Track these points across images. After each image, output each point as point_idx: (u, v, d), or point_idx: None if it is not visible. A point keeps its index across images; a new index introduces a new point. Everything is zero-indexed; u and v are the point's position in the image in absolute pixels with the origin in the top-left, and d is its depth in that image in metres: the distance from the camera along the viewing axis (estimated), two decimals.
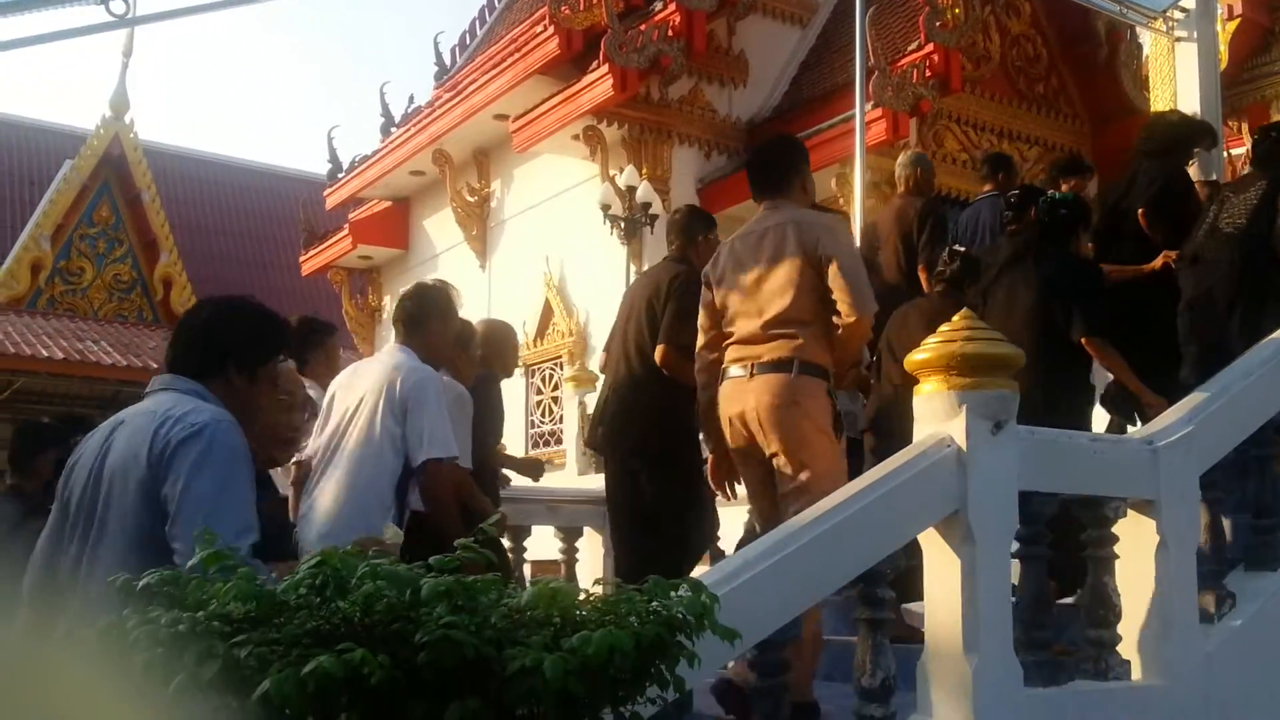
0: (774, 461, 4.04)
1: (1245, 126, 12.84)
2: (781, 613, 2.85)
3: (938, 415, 3.27)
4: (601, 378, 5.63)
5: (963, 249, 5.40)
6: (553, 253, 13.66)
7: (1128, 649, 3.57)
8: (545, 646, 1.54)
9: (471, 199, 15.20)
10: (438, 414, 4.03)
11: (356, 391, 4.17)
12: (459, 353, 4.95)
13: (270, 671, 1.51)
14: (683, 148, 13.18)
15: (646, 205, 11.64)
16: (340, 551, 1.63)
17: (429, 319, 4.44)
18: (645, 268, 12.19)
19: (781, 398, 3.97)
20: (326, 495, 4.02)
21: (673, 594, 1.76)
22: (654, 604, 1.78)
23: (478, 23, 17.90)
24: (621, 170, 12.30)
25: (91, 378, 17.44)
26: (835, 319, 4.02)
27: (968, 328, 3.32)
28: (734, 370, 4.15)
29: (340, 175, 17.24)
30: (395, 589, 1.55)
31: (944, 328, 3.39)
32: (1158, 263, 5.55)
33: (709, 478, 4.54)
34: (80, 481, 2.67)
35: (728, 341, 4.22)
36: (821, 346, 4.06)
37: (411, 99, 17.31)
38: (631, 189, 11.81)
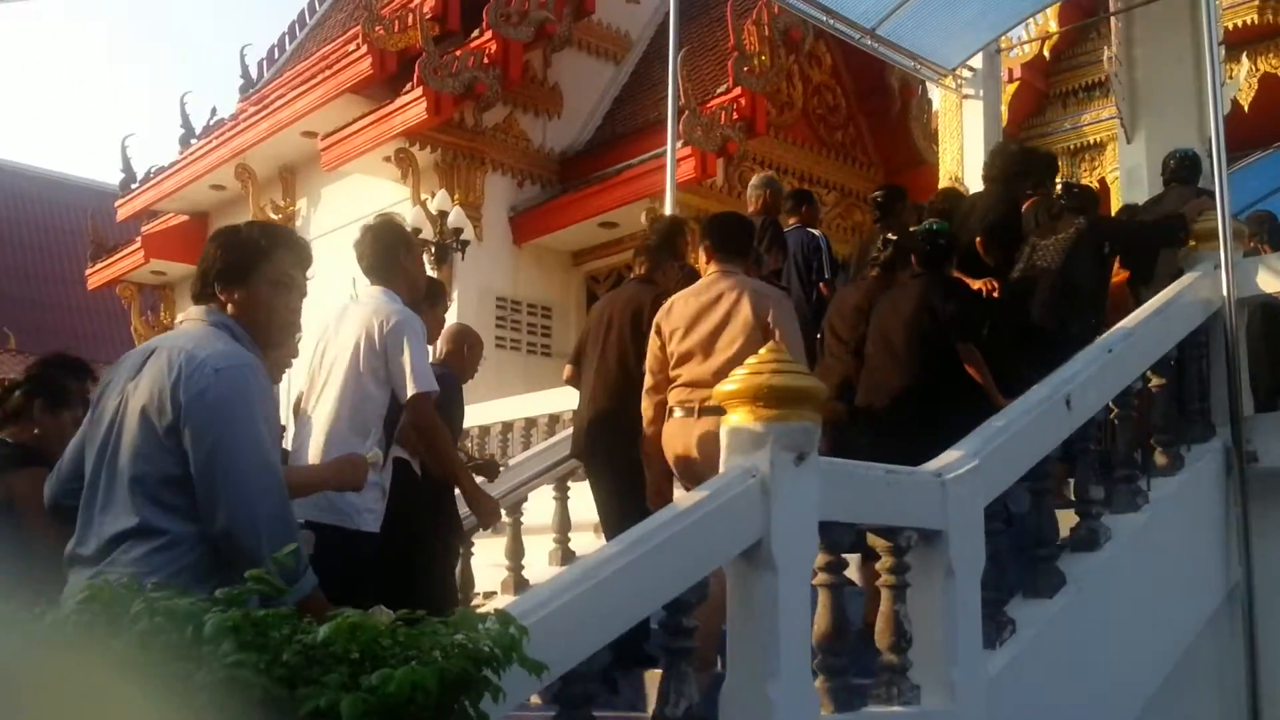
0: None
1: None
2: (587, 644, 2.83)
3: (744, 446, 3.33)
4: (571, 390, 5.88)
5: (895, 237, 5.78)
6: (361, 275, 13.34)
7: (918, 674, 3.69)
8: (343, 685, 1.48)
9: (276, 216, 14.73)
10: (420, 351, 4.06)
11: (341, 335, 4.14)
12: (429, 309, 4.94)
13: None
14: (496, 175, 13.15)
15: (458, 231, 11.53)
16: (113, 586, 1.53)
17: (397, 257, 4.35)
18: (455, 293, 12.07)
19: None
20: (317, 422, 4.02)
21: (480, 626, 1.72)
22: (459, 637, 1.73)
23: (287, 37, 17.44)
24: (433, 194, 12.15)
25: None
26: None
27: (775, 360, 3.39)
28: (679, 411, 4.57)
29: (134, 186, 16.48)
30: (175, 624, 1.46)
31: (751, 360, 3.46)
32: (979, 286, 5.73)
33: (649, 503, 4.65)
34: (110, 409, 2.66)
35: (674, 385, 4.61)
36: None
37: (214, 111, 16.72)
38: (443, 214, 11.68)
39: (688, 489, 4.30)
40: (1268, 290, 5.59)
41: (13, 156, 27.52)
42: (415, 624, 1.71)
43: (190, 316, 2.81)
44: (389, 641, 1.66)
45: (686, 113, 11.56)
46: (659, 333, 4.73)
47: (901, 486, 3.75)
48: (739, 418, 3.36)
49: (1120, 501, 4.93)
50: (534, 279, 13.42)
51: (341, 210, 13.98)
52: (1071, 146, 13.36)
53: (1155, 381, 5.30)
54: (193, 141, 15.98)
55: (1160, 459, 5.23)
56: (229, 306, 2.78)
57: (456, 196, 12.39)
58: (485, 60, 12.31)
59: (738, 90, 12.11)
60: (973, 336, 5.14)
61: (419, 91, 11.82)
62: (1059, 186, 6.59)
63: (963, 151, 10.04)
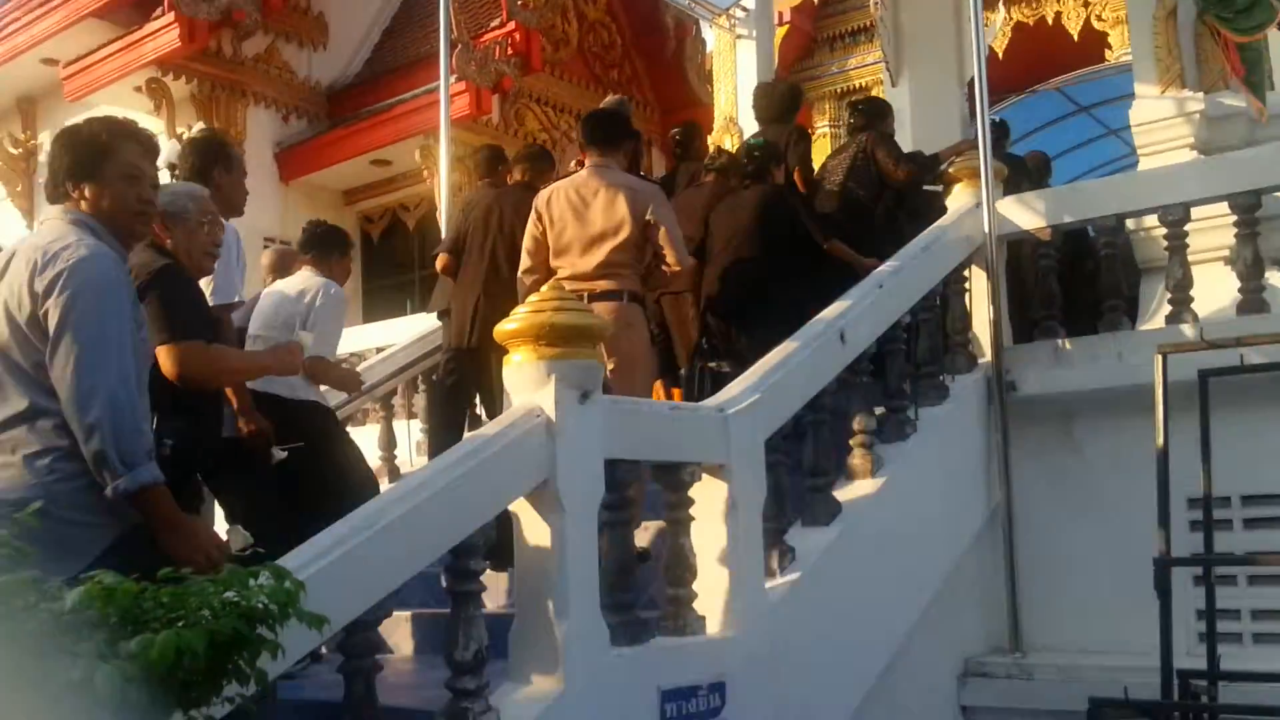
0: (609, 373, 4.50)
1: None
2: (372, 591, 2.74)
3: (528, 385, 3.27)
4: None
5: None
6: None
7: (703, 605, 3.75)
8: (100, 654, 1.35)
9: (15, 151, 13.64)
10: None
11: None
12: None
13: None
14: (258, 109, 12.52)
15: None
16: None
17: (210, 175, 4.34)
18: None
19: (616, 321, 4.72)
20: None
21: (252, 582, 1.61)
22: (230, 594, 1.62)
23: None
24: (190, 128, 11.46)
25: None
26: (664, 267, 5.07)
27: (557, 299, 3.33)
28: None
29: None
30: None
31: (533, 298, 3.39)
32: None
33: None
34: None
35: (557, 277, 4.83)
36: (638, 282, 5.07)
37: None
38: None
39: None
40: (1025, 227, 5.89)
41: None
42: (180, 582, 1.58)
43: (48, 217, 2.91)
44: (151, 604, 1.53)
45: (460, 46, 11.28)
46: (539, 219, 5.12)
47: (685, 422, 3.78)
48: (522, 356, 3.29)
49: (890, 431, 5.12)
50: (303, 218, 12.84)
51: None
52: (839, 90, 13.72)
53: (922, 315, 5.52)
54: None
55: (927, 390, 5.46)
56: (81, 204, 2.86)
57: (216, 130, 11.72)
58: None
59: (512, 24, 11.90)
60: (832, 233, 5.84)
61: (170, 17, 11.08)
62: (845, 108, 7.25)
63: (737, 92, 10.17)
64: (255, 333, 4.91)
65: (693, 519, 3.78)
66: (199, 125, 11.43)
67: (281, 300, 4.98)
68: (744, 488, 3.90)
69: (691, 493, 3.78)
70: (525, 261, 5.16)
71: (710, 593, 3.79)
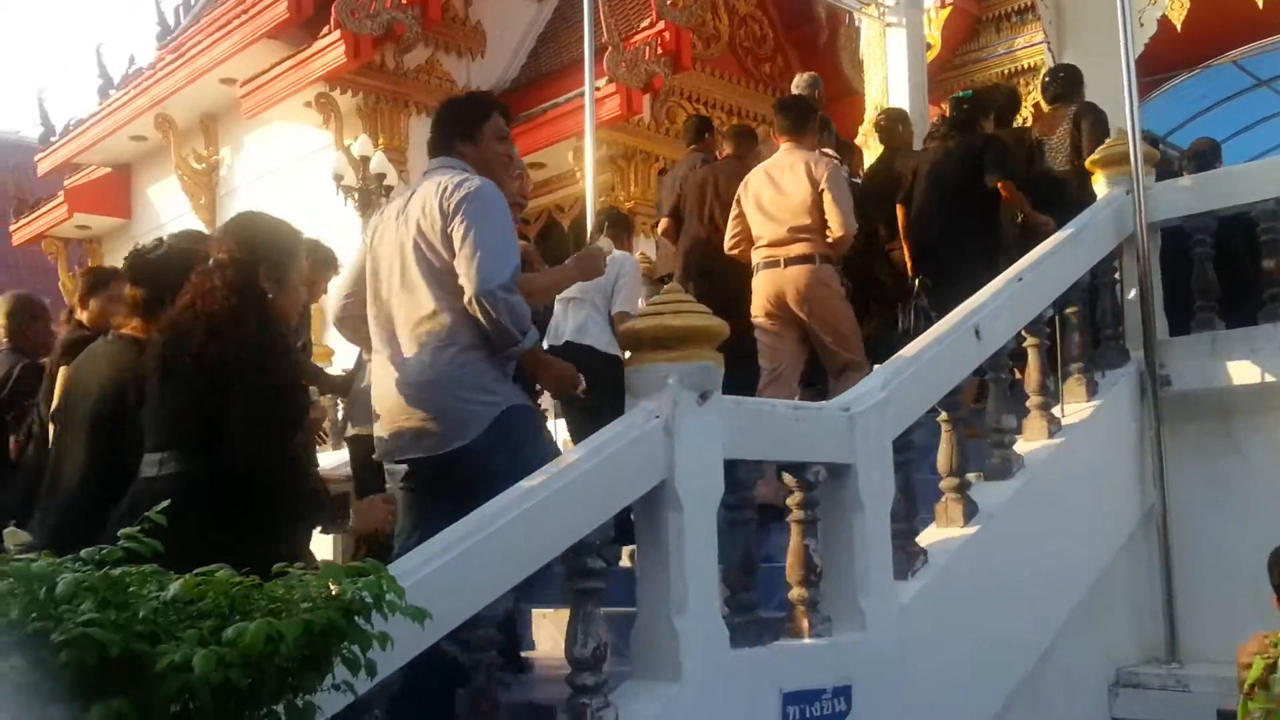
0: (811, 326, 5.77)
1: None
2: (491, 588, 2.85)
3: (647, 387, 3.35)
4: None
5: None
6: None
7: (829, 607, 3.76)
8: (202, 639, 1.48)
9: (199, 166, 14.46)
10: None
11: None
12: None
13: None
14: (420, 118, 12.95)
15: (381, 176, 11.38)
16: None
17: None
18: None
19: (812, 280, 5.71)
20: None
21: (347, 578, 1.73)
22: (331, 588, 1.74)
23: None
24: (356, 139, 11.97)
25: None
26: (827, 232, 5.74)
27: (675, 301, 3.40)
28: (764, 266, 5.87)
29: (54, 139, 16.05)
30: (22, 586, 1.45)
31: (654, 300, 3.47)
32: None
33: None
34: (390, 233, 3.75)
35: (756, 246, 5.90)
36: (826, 246, 5.77)
37: (132, 60, 16.27)
38: (366, 159, 11.52)
39: (779, 319, 5.82)
40: (1179, 213, 5.67)
41: None
42: (283, 576, 1.72)
43: (434, 166, 3.83)
44: (258, 595, 1.67)
45: (610, 49, 11.46)
46: (739, 201, 6.02)
47: (808, 422, 3.79)
48: (640, 359, 3.37)
49: (1032, 429, 5.02)
50: None
51: (265, 158, 13.76)
52: (1006, 71, 13.42)
53: (1069, 309, 5.38)
54: (111, 92, 15.56)
55: (1074, 386, 5.32)
56: (464, 156, 3.80)
57: (380, 141, 12.22)
58: (403, 0, 12.08)
59: (662, 24, 12.01)
60: (1009, 176, 6.27)
61: (336, 34, 11.59)
62: (1044, 75, 7.53)
63: (887, 81, 10.04)
64: (571, 295, 5.81)
65: (818, 519, 3.79)
66: (363, 137, 11.92)
67: None
68: (871, 488, 3.89)
69: (817, 493, 3.80)
70: (729, 235, 6.07)
71: (836, 594, 3.80)
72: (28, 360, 5.16)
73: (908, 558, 4.14)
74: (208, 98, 13.82)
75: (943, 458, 4.53)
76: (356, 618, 1.71)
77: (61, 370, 4.36)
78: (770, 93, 14.07)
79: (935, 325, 4.61)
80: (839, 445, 3.83)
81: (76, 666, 1.41)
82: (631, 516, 3.33)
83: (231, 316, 3.10)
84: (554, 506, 3.00)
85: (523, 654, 4.26)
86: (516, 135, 12.65)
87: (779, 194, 5.81)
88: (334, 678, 1.84)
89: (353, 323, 3.95)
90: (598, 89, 9.68)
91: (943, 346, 4.45)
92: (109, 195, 16.11)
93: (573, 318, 6.06)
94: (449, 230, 3.56)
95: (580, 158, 11.56)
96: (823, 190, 5.70)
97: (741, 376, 6.55)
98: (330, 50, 11.71)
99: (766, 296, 5.84)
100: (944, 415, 4.49)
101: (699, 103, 13.37)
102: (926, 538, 4.34)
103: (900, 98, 9.53)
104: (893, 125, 7.59)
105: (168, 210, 15.31)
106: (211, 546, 2.80)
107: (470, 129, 3.85)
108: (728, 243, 6.10)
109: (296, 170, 13.17)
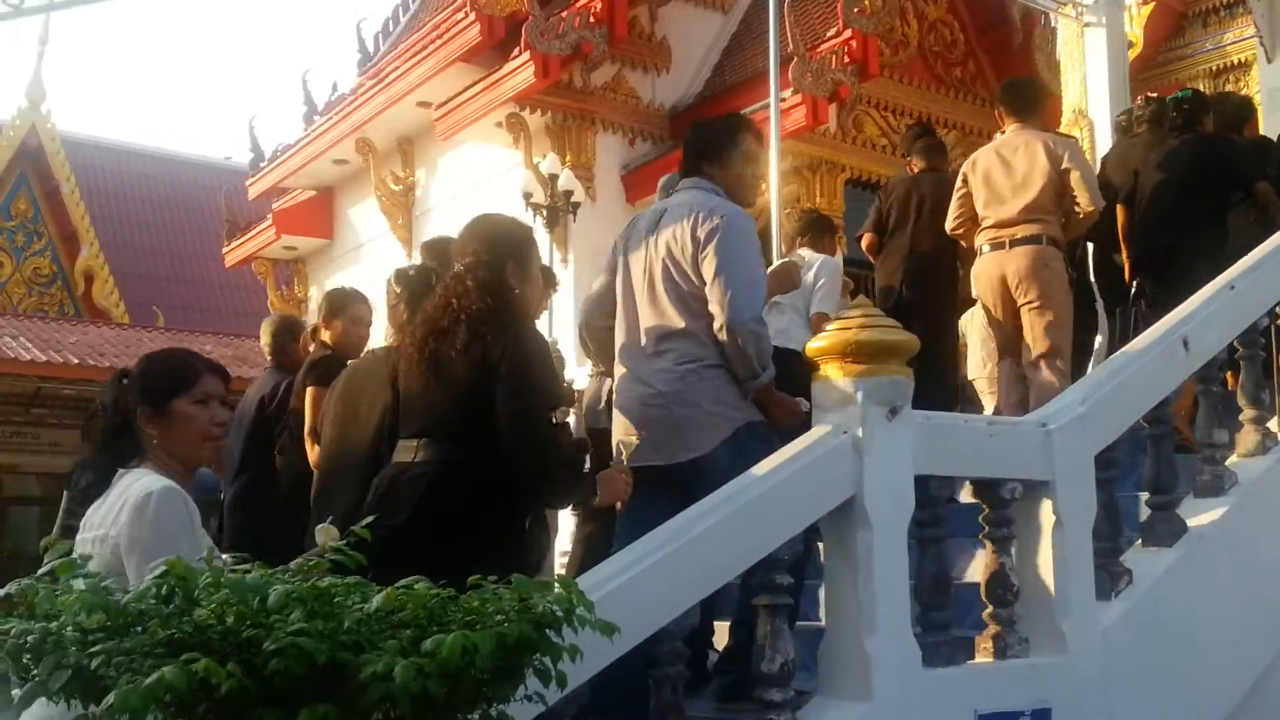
0: (1027, 307, 5.67)
1: None
2: (678, 603, 2.87)
3: (835, 402, 3.31)
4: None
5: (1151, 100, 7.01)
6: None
7: (1027, 627, 3.63)
8: (403, 650, 1.54)
9: (396, 187, 15.06)
10: None
11: None
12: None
13: (119, 683, 1.50)
14: (606, 134, 13.18)
15: (569, 193, 11.61)
16: (185, 562, 1.61)
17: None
18: (569, 256, 12.18)
19: (1035, 262, 5.63)
20: None
21: (538, 592, 1.76)
22: (524, 600, 1.78)
23: (400, 9, 17.71)
24: (544, 157, 12.25)
25: (11, 374, 17.03)
26: (1075, 208, 5.66)
27: (864, 315, 3.35)
28: (988, 248, 5.82)
29: (262, 165, 17.00)
30: (237, 597, 1.53)
31: (840, 314, 3.43)
32: None
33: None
34: (639, 256, 3.93)
35: (983, 228, 5.84)
36: (1057, 228, 5.72)
37: (335, 86, 17.10)
38: (554, 177, 11.77)
39: (1001, 301, 5.79)
40: None
41: (149, 142, 28.56)
42: (477, 589, 1.76)
43: (686, 186, 3.98)
44: (455, 608, 1.72)
45: (795, 59, 11.39)
46: (965, 181, 5.98)
47: (1003, 437, 3.68)
48: (829, 373, 3.33)
49: (1247, 445, 4.73)
50: None
51: (458, 178, 14.23)
52: (1214, 67, 12.78)
53: None
54: (315, 118, 16.38)
55: None
56: (711, 177, 3.91)
57: (568, 158, 12.46)
58: (591, 19, 12.32)
59: (848, 33, 11.87)
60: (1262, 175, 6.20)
61: (526, 56, 11.90)
62: None
63: (1086, 82, 9.67)
64: (772, 301, 5.76)
65: (1014, 538, 3.67)
66: (551, 155, 12.19)
67: None
68: (1070, 505, 3.74)
69: (1013, 510, 3.67)
70: (952, 217, 6.08)
71: (1034, 614, 3.66)
72: (290, 378, 5.48)
73: (1111, 578, 3.96)
74: (405, 121, 14.38)
75: (1149, 474, 4.32)
76: (548, 630, 1.74)
77: (310, 389, 4.68)
78: (961, 98, 13.75)
79: (1141, 335, 4.39)
80: (1035, 461, 3.70)
81: (285, 673, 1.48)
82: None
83: (489, 317, 3.34)
84: (740, 522, 2.99)
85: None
86: None
87: (1010, 173, 5.76)
88: (526, 688, 1.88)
89: (598, 333, 4.19)
90: (783, 99, 9.63)
91: (1148, 359, 4.24)
92: (313, 217, 16.94)
93: (774, 323, 6.06)
94: (700, 258, 3.72)
95: (766, 169, 11.58)
96: (1067, 169, 5.62)
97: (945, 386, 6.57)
98: (520, 71, 12.03)
99: (989, 280, 5.85)
100: (1149, 430, 4.28)
101: (887, 110, 13.17)
102: (1131, 558, 4.14)
103: (1100, 98, 9.17)
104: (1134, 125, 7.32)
105: (367, 230, 16.00)
106: (465, 530, 3.14)
107: (720, 152, 3.96)
108: (951, 223, 6.11)
109: (488, 189, 13.56)
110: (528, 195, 11.90)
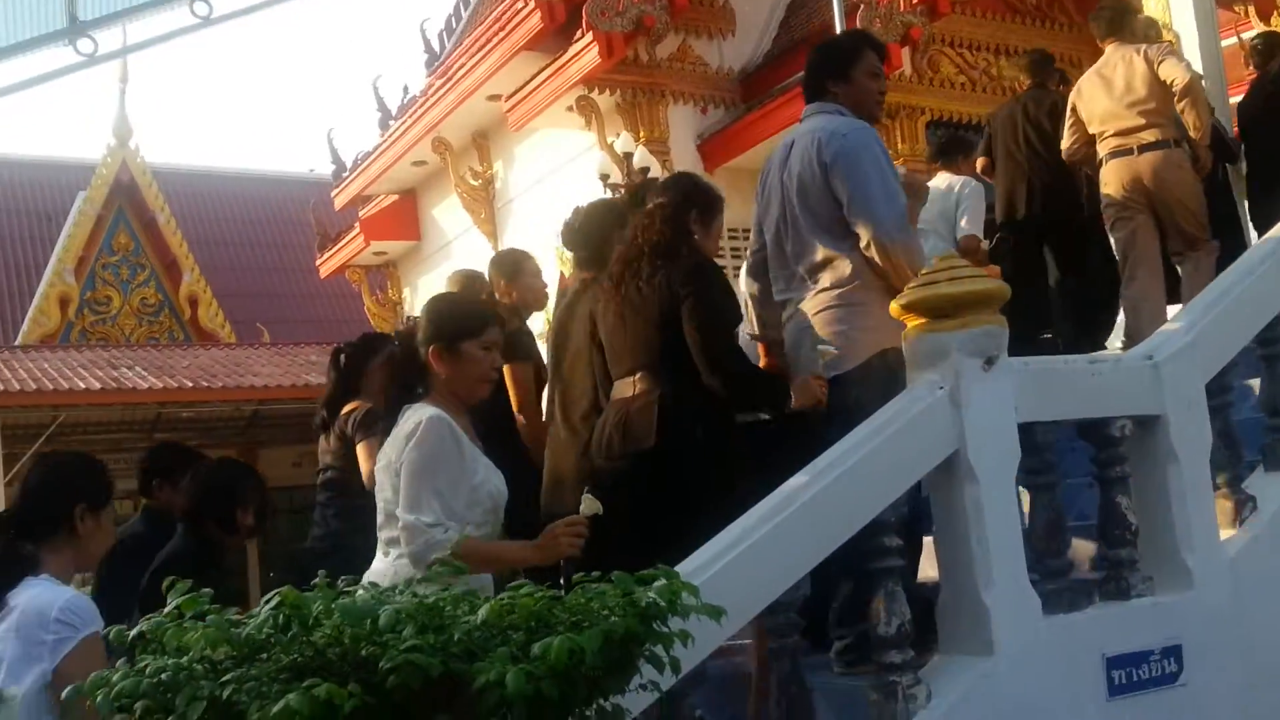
0: (1164, 209, 5.86)
1: (1252, 10, 12.54)
2: (787, 575, 2.87)
3: (928, 358, 3.27)
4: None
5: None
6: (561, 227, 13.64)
7: (1149, 565, 3.56)
8: (513, 656, 1.57)
9: (475, 183, 15.19)
10: None
11: None
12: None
13: (250, 709, 1.56)
14: (678, 106, 13.09)
15: (645, 170, 11.58)
16: (295, 591, 1.67)
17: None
18: None
19: (1163, 166, 5.81)
20: None
21: (642, 586, 1.79)
22: (627, 597, 1.81)
23: (461, 4, 17.82)
24: (618, 136, 12.24)
25: (130, 404, 17.64)
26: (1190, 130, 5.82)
27: (949, 268, 3.30)
28: (1114, 157, 5.94)
29: (345, 174, 17.28)
30: (350, 621, 1.58)
31: (925, 270, 3.38)
32: None
33: None
34: (775, 190, 4.03)
35: (1104, 138, 5.97)
36: (1178, 129, 5.85)
37: (405, 89, 17.26)
38: (629, 155, 11.76)
39: (1124, 215, 5.93)
40: None
41: (234, 163, 29.20)
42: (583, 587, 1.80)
43: (810, 112, 4.06)
44: (560, 609, 1.75)
45: (863, 6, 11.20)
46: (1074, 110, 6.15)
47: (1108, 375, 3.60)
48: (919, 330, 3.29)
49: None
50: (730, 202, 13.31)
51: (535, 166, 14.29)
52: None
53: None
54: (391, 123, 16.58)
55: None
56: (836, 96, 3.99)
57: (641, 134, 12.42)
58: None
59: None
60: None
61: (589, 37, 11.87)
62: None
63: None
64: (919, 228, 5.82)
65: (1128, 476, 3.59)
66: (624, 133, 12.18)
67: (935, 195, 6.10)
68: (1184, 437, 3.64)
69: (1125, 448, 3.60)
70: (1066, 143, 6.22)
71: (1156, 551, 3.59)
72: None
73: (1234, 507, 3.86)
74: (477, 116, 14.47)
75: (1266, 395, 4.18)
76: (654, 622, 1.77)
77: (505, 369, 4.76)
78: (1038, 25, 13.37)
79: (1245, 254, 4.25)
80: (1144, 396, 3.61)
81: (404, 688, 1.52)
82: None
83: (667, 245, 3.80)
84: (840, 490, 2.99)
85: None
86: (775, 109, 12.67)
87: (1112, 89, 5.91)
88: (641, 676, 1.91)
89: (758, 271, 4.30)
90: None
91: (1255, 278, 4.10)
92: (399, 221, 17.18)
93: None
94: (832, 182, 3.83)
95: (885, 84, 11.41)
96: (1155, 67, 5.76)
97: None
98: (585, 53, 12.01)
99: (1120, 182, 5.94)
100: (1263, 350, 4.14)
101: (962, 47, 12.86)
102: (1254, 483, 4.02)
103: (1184, 13, 8.85)
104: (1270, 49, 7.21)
105: (452, 228, 16.18)
106: (695, 450, 3.53)
107: (843, 69, 4.03)
108: (1066, 152, 6.25)
109: (565, 174, 13.61)
110: (604, 176, 11.91)
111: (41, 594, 2.84)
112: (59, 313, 21.77)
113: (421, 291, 17.05)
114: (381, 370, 4.75)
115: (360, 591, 1.71)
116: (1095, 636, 3.33)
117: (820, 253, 3.88)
